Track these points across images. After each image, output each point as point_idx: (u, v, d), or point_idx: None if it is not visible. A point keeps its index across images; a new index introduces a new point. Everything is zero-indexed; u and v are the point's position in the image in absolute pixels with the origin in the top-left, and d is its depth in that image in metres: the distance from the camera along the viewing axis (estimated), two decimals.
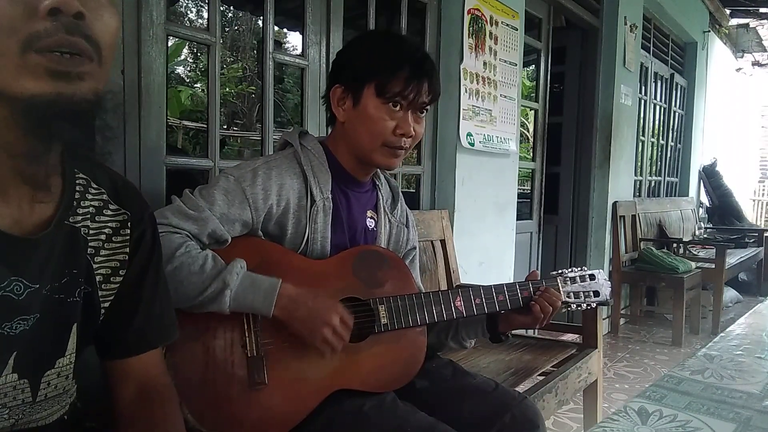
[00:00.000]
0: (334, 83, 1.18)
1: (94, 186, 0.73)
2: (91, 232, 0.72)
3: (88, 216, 0.72)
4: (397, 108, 1.13)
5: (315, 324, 1.04)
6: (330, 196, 1.16)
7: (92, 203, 0.72)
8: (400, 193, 1.36)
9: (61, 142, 0.63)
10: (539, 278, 1.29)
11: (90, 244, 0.72)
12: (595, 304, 1.32)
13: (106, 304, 0.75)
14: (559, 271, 1.31)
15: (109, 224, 0.74)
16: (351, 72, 1.15)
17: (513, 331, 1.37)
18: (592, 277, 1.31)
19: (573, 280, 1.30)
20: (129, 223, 0.76)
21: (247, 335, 1.04)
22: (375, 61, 1.14)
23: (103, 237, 0.73)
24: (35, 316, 0.64)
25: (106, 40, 0.60)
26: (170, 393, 0.83)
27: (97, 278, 0.73)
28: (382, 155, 1.16)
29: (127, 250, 0.76)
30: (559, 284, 1.29)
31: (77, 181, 0.71)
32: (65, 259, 0.68)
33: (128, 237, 0.76)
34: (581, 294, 1.30)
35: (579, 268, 1.32)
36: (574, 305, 1.30)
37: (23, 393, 0.66)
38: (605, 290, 1.31)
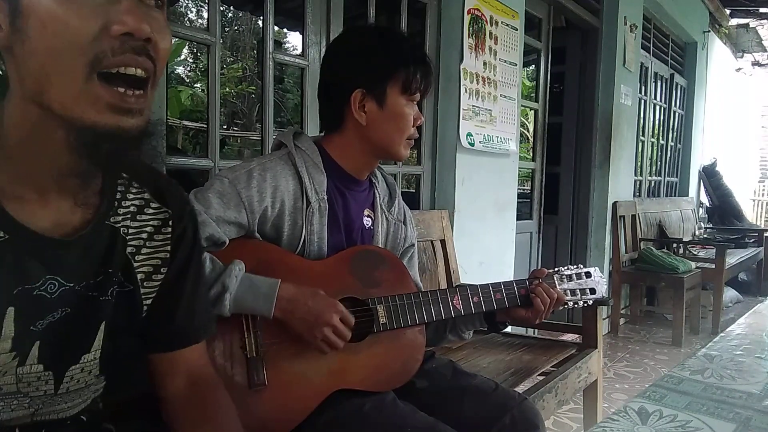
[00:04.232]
0: (350, 89, 1.15)
1: (136, 185, 0.74)
2: (131, 231, 0.72)
3: (129, 215, 0.72)
4: (415, 101, 1.18)
5: (316, 324, 1.04)
6: (326, 196, 1.15)
7: (133, 202, 0.73)
8: (398, 191, 1.36)
9: (110, 164, 0.64)
10: (545, 275, 1.30)
11: (130, 242, 0.72)
12: (591, 302, 1.32)
13: (149, 301, 0.75)
14: (556, 269, 1.31)
15: (150, 222, 0.75)
16: (368, 75, 1.15)
17: (513, 332, 1.37)
18: (588, 274, 1.32)
19: (569, 277, 1.31)
20: (170, 221, 0.76)
21: (246, 336, 1.04)
22: (393, 60, 1.15)
23: (144, 236, 0.74)
24: (65, 311, 0.66)
25: (162, 64, 0.62)
26: (217, 382, 0.85)
27: (139, 276, 0.74)
28: (405, 148, 1.21)
29: (169, 248, 0.76)
30: (556, 282, 1.29)
31: (119, 181, 0.72)
32: (102, 258, 0.69)
33: (169, 235, 0.76)
34: (577, 291, 1.30)
35: (575, 266, 1.33)
36: (571, 303, 1.31)
37: (46, 384, 0.67)
38: (601, 287, 1.32)
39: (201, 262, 0.84)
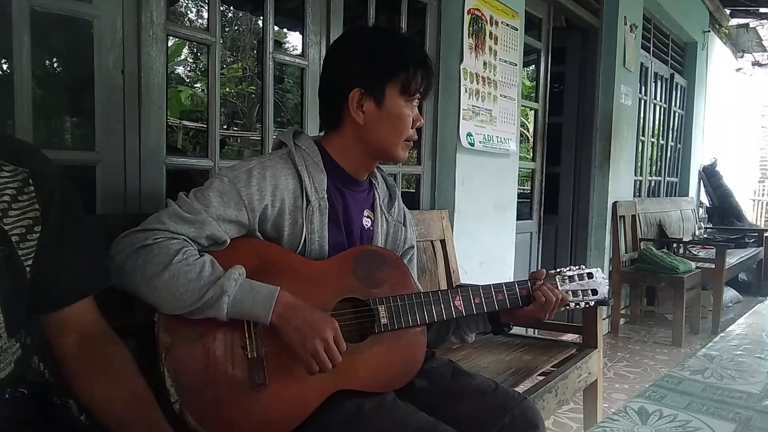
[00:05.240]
0: (349, 88, 1.14)
1: None
2: None
3: None
4: (415, 102, 1.18)
5: (310, 335, 1.01)
6: (326, 195, 1.15)
7: None
8: (398, 192, 1.36)
9: None
10: (545, 275, 1.30)
11: None
12: (593, 303, 1.32)
13: (29, 262, 0.76)
14: (557, 270, 1.31)
15: (9, 185, 0.76)
16: (367, 75, 1.14)
17: (513, 332, 1.37)
18: (590, 275, 1.31)
19: (571, 278, 1.30)
20: (31, 180, 0.77)
21: (247, 336, 1.04)
22: (392, 61, 1.15)
23: (6, 198, 0.75)
24: None
25: None
26: (112, 336, 0.87)
27: (13, 238, 0.75)
28: (403, 149, 1.21)
29: (37, 206, 0.77)
30: (558, 283, 1.29)
31: None
32: None
33: (34, 194, 0.77)
34: (579, 292, 1.30)
35: (577, 267, 1.32)
36: (573, 304, 1.30)
37: None
38: (603, 288, 1.32)
39: (81, 222, 0.85)
